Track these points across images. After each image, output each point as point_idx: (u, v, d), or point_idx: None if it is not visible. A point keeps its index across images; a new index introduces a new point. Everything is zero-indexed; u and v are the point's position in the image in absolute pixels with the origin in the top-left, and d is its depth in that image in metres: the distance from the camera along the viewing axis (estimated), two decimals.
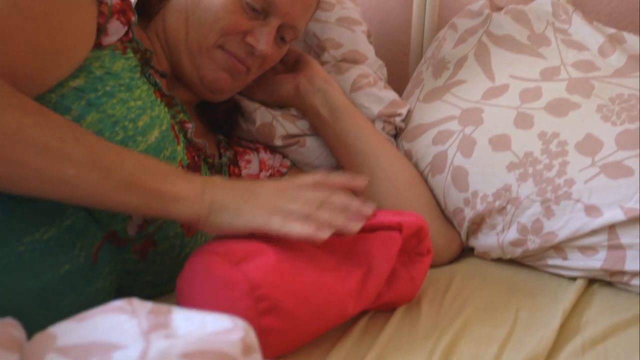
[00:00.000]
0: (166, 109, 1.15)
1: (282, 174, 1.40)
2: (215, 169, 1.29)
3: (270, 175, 1.38)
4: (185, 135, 1.19)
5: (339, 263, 1.01)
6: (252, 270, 0.92)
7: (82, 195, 0.91)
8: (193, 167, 1.19)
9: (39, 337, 0.81)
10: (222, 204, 0.97)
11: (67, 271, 0.96)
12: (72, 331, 0.79)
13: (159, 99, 1.13)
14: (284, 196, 1.00)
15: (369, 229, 1.05)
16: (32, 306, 0.92)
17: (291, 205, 0.98)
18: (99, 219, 1.02)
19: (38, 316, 0.84)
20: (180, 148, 1.15)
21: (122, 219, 1.04)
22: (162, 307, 0.84)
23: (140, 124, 1.05)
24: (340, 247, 1.04)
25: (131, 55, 1.12)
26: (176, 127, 1.17)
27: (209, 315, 0.82)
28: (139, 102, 1.07)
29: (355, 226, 1.01)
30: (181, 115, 1.19)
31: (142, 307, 0.83)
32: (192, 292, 0.95)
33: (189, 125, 1.19)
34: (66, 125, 0.91)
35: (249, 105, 1.41)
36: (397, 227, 1.06)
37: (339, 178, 1.06)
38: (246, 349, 0.78)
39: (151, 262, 1.10)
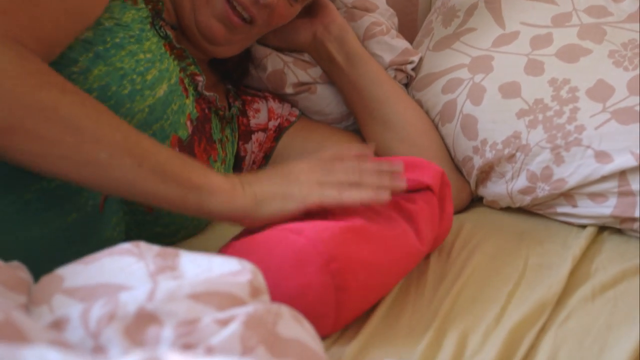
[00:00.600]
0: (175, 62, 1.13)
1: (290, 123, 1.39)
2: (226, 121, 1.29)
3: (279, 125, 1.37)
4: (195, 88, 1.18)
5: (393, 226, 1.00)
6: (323, 243, 0.90)
7: (115, 181, 0.88)
8: (203, 120, 1.18)
9: (46, 279, 0.81)
10: (268, 192, 0.95)
11: (74, 220, 0.96)
12: (79, 273, 0.80)
13: (168, 52, 1.12)
14: (322, 171, 0.98)
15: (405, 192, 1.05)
16: (39, 254, 0.92)
17: (335, 177, 0.97)
18: None
19: (45, 264, 0.83)
20: (189, 101, 1.14)
21: None
22: (169, 250, 0.84)
23: (149, 77, 1.04)
24: (385, 213, 1.03)
25: (142, 5, 1.09)
26: (186, 80, 1.15)
27: (216, 258, 0.82)
28: (149, 55, 1.06)
29: (402, 183, 1.01)
30: (192, 68, 1.17)
31: (149, 250, 0.83)
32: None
33: (200, 79, 1.18)
34: (102, 109, 0.89)
35: (259, 51, 1.40)
36: (429, 188, 1.06)
37: (351, 149, 1.05)
38: (254, 291, 0.78)
39: (159, 214, 1.10)
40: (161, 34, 1.12)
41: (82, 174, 0.87)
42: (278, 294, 0.86)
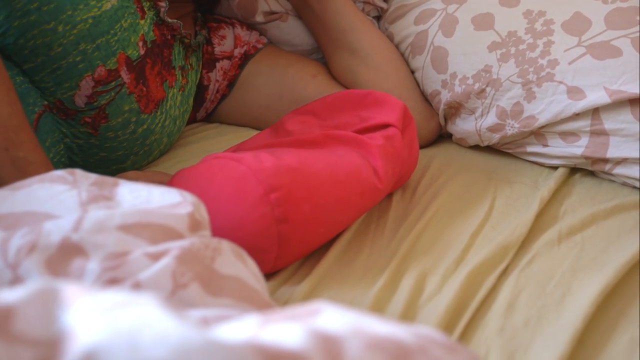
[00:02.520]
0: None
1: (257, 50, 1.34)
2: (192, 49, 1.25)
3: (245, 52, 1.32)
4: (157, 13, 1.13)
5: (345, 162, 0.95)
6: (264, 172, 0.86)
7: None
8: (162, 45, 1.14)
9: None
10: None
11: None
12: (5, 200, 0.74)
13: None
14: None
15: (364, 131, 1.01)
16: None
17: None
18: (41, 86, 0.96)
19: None
20: (144, 22, 1.09)
21: (68, 87, 0.98)
22: (108, 179, 0.79)
23: None
24: (337, 150, 0.98)
25: None
26: (145, 3, 1.11)
27: (156, 189, 0.77)
28: None
29: None
30: None
31: (85, 178, 0.78)
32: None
33: (162, 4, 1.14)
34: None
35: None
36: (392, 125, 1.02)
37: None
38: (194, 225, 0.73)
39: (104, 137, 1.06)
40: None
41: None
42: (217, 225, 0.82)
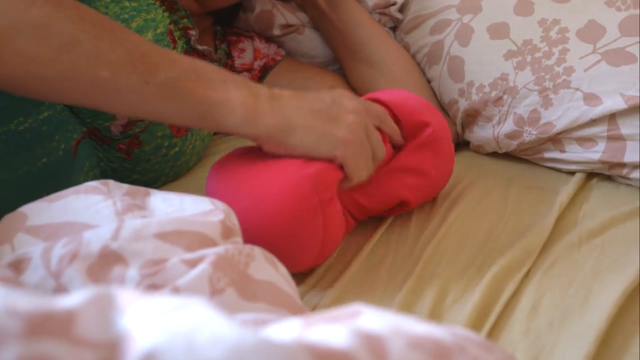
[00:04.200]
0: (166, 14, 1.10)
1: (276, 62, 1.36)
2: (217, 64, 1.26)
3: (264, 64, 1.34)
4: (187, 41, 1.16)
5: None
6: None
7: (123, 100, 0.80)
8: None
9: (9, 217, 0.78)
10: (305, 122, 0.85)
11: (44, 164, 0.93)
12: (43, 211, 0.76)
13: (158, 3, 1.08)
14: (369, 118, 0.90)
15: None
16: (9, 198, 0.89)
17: (369, 145, 0.89)
18: (80, 116, 0.98)
19: (12, 208, 0.80)
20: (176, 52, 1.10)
21: (105, 117, 1.00)
22: (139, 188, 0.81)
23: (134, 25, 1.01)
24: None
25: None
26: (176, 33, 1.13)
27: (188, 197, 0.79)
28: (134, 4, 1.02)
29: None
30: (185, 21, 1.15)
31: (118, 188, 0.80)
32: None
33: (192, 32, 1.16)
34: (105, 22, 0.80)
35: None
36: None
37: (393, 127, 0.97)
38: (226, 232, 0.75)
39: (137, 161, 1.07)
40: None
41: (86, 94, 0.80)
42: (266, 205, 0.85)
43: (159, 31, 1.06)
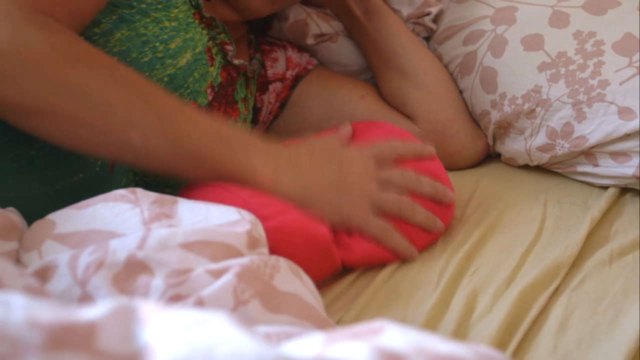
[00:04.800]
0: (205, 31, 1.11)
1: (307, 71, 1.36)
2: (252, 75, 1.27)
3: (297, 74, 1.34)
4: (224, 56, 1.16)
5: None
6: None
7: (150, 161, 0.86)
8: (226, 85, 1.16)
9: (38, 224, 0.79)
10: (319, 195, 0.92)
11: (81, 179, 0.93)
12: (71, 219, 0.77)
13: (197, 21, 1.09)
14: (378, 185, 0.96)
15: None
16: (45, 212, 0.89)
17: (388, 203, 0.95)
18: None
19: None
20: (213, 69, 1.11)
21: None
22: (167, 197, 0.81)
23: (172, 46, 1.01)
24: None
25: None
26: (214, 49, 1.13)
27: (214, 207, 0.79)
28: (174, 23, 1.03)
29: (439, 226, 1.00)
30: (222, 37, 1.15)
31: (145, 196, 0.80)
32: None
33: (230, 47, 1.16)
34: (137, 81, 0.85)
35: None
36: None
37: (412, 148, 1.01)
38: (252, 243, 0.75)
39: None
40: (192, 2, 1.09)
41: (116, 154, 0.86)
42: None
43: (197, 50, 1.07)
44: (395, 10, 1.36)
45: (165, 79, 1.00)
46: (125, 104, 0.82)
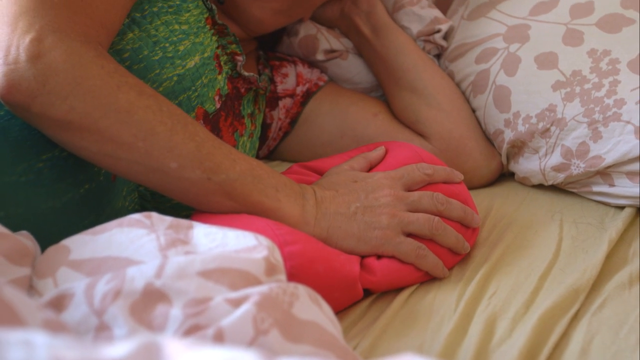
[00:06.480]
0: (215, 38, 1.12)
1: (319, 87, 1.36)
2: (263, 92, 1.27)
3: (307, 90, 1.33)
4: (234, 67, 1.16)
5: None
6: (283, 227, 0.89)
7: (182, 190, 0.88)
8: (233, 97, 1.16)
9: (52, 250, 0.78)
10: (343, 231, 0.94)
11: (87, 190, 0.93)
12: (86, 245, 0.76)
13: (208, 26, 1.11)
14: (407, 206, 0.97)
15: None
16: (52, 227, 0.89)
17: (417, 226, 0.96)
18: None
19: (57, 239, 0.81)
20: (221, 77, 1.12)
21: None
22: (182, 222, 0.80)
23: (181, 48, 1.04)
24: None
25: None
26: (223, 58, 1.14)
27: (231, 232, 0.78)
28: (184, 27, 1.05)
29: (467, 248, 1.00)
30: (233, 47, 1.15)
31: (161, 221, 0.79)
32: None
33: (240, 58, 1.16)
34: (179, 115, 0.88)
35: None
36: None
37: (442, 171, 1.02)
38: (270, 269, 0.74)
39: None
40: (207, 5, 1.11)
41: (150, 179, 0.87)
42: None
43: (206, 55, 1.08)
44: (404, 28, 1.35)
45: (175, 78, 1.02)
46: (168, 131, 0.85)
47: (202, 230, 0.79)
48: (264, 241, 0.77)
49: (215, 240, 0.77)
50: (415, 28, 1.35)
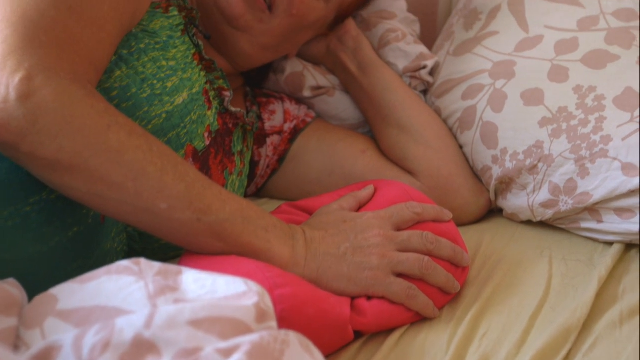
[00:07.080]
0: (203, 73, 1.12)
1: (306, 124, 1.36)
2: (250, 129, 1.26)
3: (295, 127, 1.33)
4: (221, 102, 1.16)
5: None
6: (273, 269, 0.89)
7: (172, 230, 0.88)
8: (223, 133, 1.16)
9: (39, 299, 0.77)
10: (334, 272, 0.94)
11: (75, 234, 0.92)
12: (74, 294, 0.75)
13: (196, 62, 1.11)
14: (397, 245, 0.96)
15: None
16: (39, 272, 0.89)
17: (407, 266, 0.95)
18: None
19: (43, 282, 0.81)
20: (211, 113, 1.12)
21: None
22: (171, 267, 0.80)
23: (169, 84, 1.03)
24: None
25: (175, 13, 1.09)
26: (211, 93, 1.14)
27: (220, 278, 0.77)
28: (172, 63, 1.05)
29: (457, 287, 0.99)
30: (220, 82, 1.16)
31: (149, 268, 0.79)
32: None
33: (227, 94, 1.16)
34: (169, 155, 0.88)
35: None
36: None
37: (431, 210, 1.02)
38: (260, 316, 0.73)
39: None
40: (194, 42, 1.11)
41: (139, 219, 0.87)
42: None
43: (194, 90, 1.08)
44: (390, 64, 1.35)
45: (164, 115, 1.02)
46: (158, 172, 0.85)
47: (192, 276, 0.78)
48: (254, 287, 0.76)
49: (205, 287, 0.76)
50: (402, 64, 1.35)
